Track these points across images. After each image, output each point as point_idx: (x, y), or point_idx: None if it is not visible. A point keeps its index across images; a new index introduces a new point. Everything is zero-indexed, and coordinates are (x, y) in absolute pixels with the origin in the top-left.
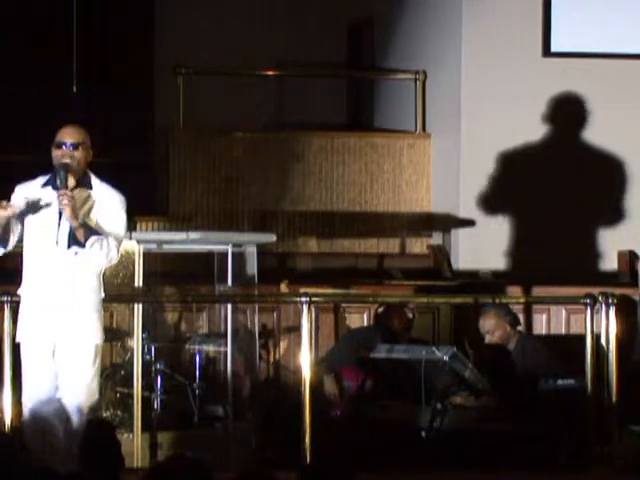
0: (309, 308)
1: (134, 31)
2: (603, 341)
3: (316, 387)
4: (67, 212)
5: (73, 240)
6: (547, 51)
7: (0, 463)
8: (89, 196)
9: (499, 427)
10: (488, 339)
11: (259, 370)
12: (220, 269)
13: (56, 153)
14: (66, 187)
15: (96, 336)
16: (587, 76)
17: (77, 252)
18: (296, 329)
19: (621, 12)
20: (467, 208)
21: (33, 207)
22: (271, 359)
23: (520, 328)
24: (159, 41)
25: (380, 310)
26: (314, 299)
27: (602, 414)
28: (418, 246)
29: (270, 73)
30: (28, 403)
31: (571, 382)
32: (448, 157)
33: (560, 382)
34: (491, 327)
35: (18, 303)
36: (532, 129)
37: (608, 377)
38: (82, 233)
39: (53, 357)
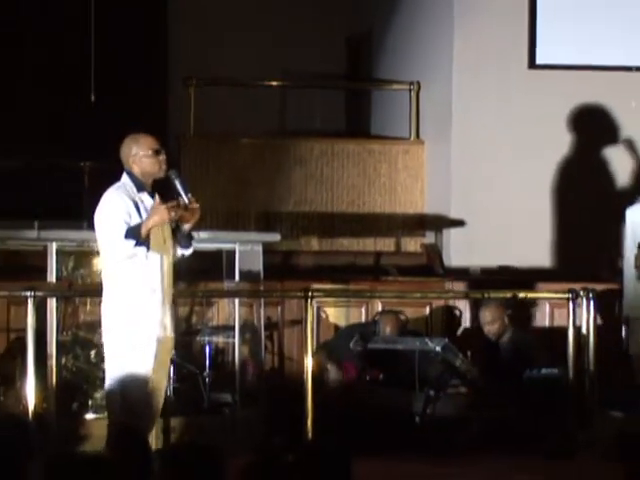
0: (311, 302)
1: (148, 45)
2: (584, 332)
3: (317, 375)
4: (196, 217)
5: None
6: (532, 63)
7: (20, 448)
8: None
9: (487, 414)
10: (487, 329)
11: (264, 359)
12: (228, 266)
13: (153, 160)
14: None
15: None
16: (571, 87)
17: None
18: (299, 322)
19: (603, 26)
20: (458, 209)
21: (141, 211)
22: (275, 349)
23: None
24: (171, 54)
25: (377, 317)
26: (315, 294)
27: (583, 401)
28: (412, 245)
29: (274, 84)
30: (126, 387)
31: (554, 371)
32: (440, 162)
33: (544, 371)
34: (491, 319)
35: (44, 298)
36: (518, 136)
37: (589, 366)
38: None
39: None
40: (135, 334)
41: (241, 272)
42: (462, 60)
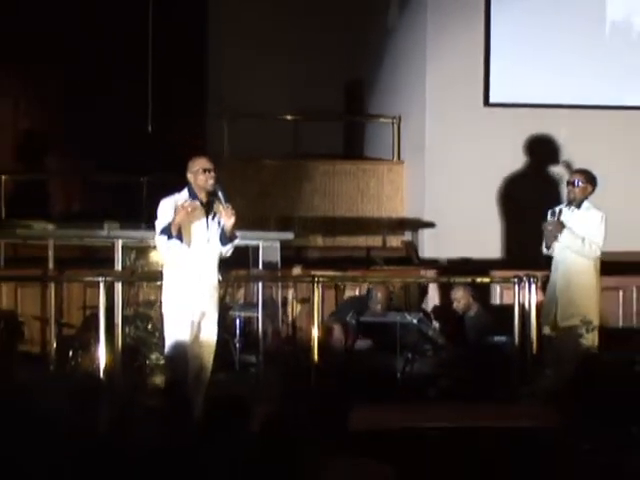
0: (317, 286)
1: (192, 86)
2: (526, 309)
3: (322, 340)
4: (233, 220)
5: (226, 239)
6: (487, 102)
7: (93, 397)
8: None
9: (452, 371)
10: (455, 305)
11: (281, 329)
12: (254, 257)
13: (202, 177)
14: (223, 201)
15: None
16: (516, 120)
17: (225, 247)
18: (307, 300)
19: (547, 70)
20: (429, 214)
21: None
22: (289, 322)
23: None
24: (211, 93)
25: (370, 287)
26: (320, 279)
27: (525, 361)
28: (394, 241)
29: (289, 117)
30: (173, 351)
31: (504, 339)
32: (416, 178)
33: (496, 339)
34: (459, 297)
35: (112, 282)
36: (476, 157)
37: (530, 335)
38: (228, 235)
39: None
40: (176, 309)
41: (263, 262)
42: (433, 100)
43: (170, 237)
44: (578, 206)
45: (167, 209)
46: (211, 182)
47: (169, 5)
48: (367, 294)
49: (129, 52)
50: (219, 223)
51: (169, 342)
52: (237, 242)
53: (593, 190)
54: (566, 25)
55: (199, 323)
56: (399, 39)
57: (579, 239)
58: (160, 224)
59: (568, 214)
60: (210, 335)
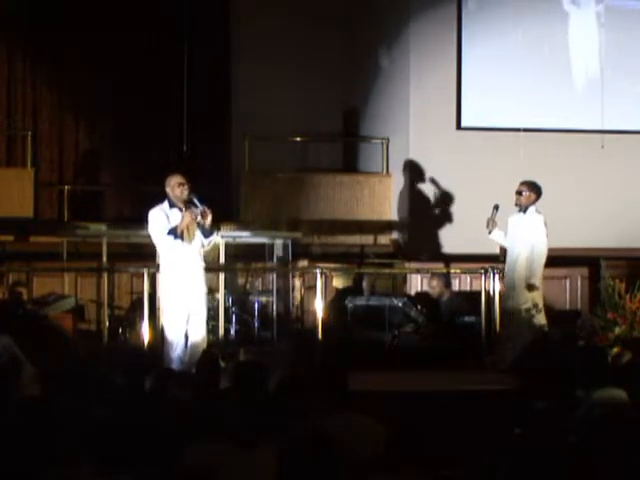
0: (321, 275)
1: (219, 113)
2: (491, 295)
3: (325, 321)
4: (210, 218)
5: (208, 233)
6: (459, 126)
7: (139, 366)
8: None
9: (431, 345)
10: (431, 292)
11: (292, 312)
12: (269, 252)
13: (179, 189)
14: (199, 205)
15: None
16: (481, 142)
17: (205, 241)
18: (313, 287)
19: (508, 100)
20: (412, 218)
21: (170, 219)
22: (298, 305)
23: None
24: (234, 117)
25: (355, 278)
26: (323, 270)
27: (490, 337)
28: (384, 239)
29: (298, 139)
30: (170, 333)
31: (473, 318)
32: (401, 188)
33: (467, 319)
34: (434, 285)
35: (154, 273)
36: (448, 171)
37: (494, 316)
38: (208, 230)
39: (188, 303)
40: (173, 292)
41: (277, 256)
42: (415, 124)
43: (176, 237)
44: (524, 211)
45: (160, 216)
46: (186, 193)
47: (201, 55)
48: (353, 285)
49: (169, 87)
50: (198, 224)
51: (168, 320)
52: (214, 236)
53: (537, 198)
54: (522, 61)
55: (192, 302)
56: (388, 75)
57: (503, 240)
58: (161, 227)
59: (518, 218)
60: (199, 315)
